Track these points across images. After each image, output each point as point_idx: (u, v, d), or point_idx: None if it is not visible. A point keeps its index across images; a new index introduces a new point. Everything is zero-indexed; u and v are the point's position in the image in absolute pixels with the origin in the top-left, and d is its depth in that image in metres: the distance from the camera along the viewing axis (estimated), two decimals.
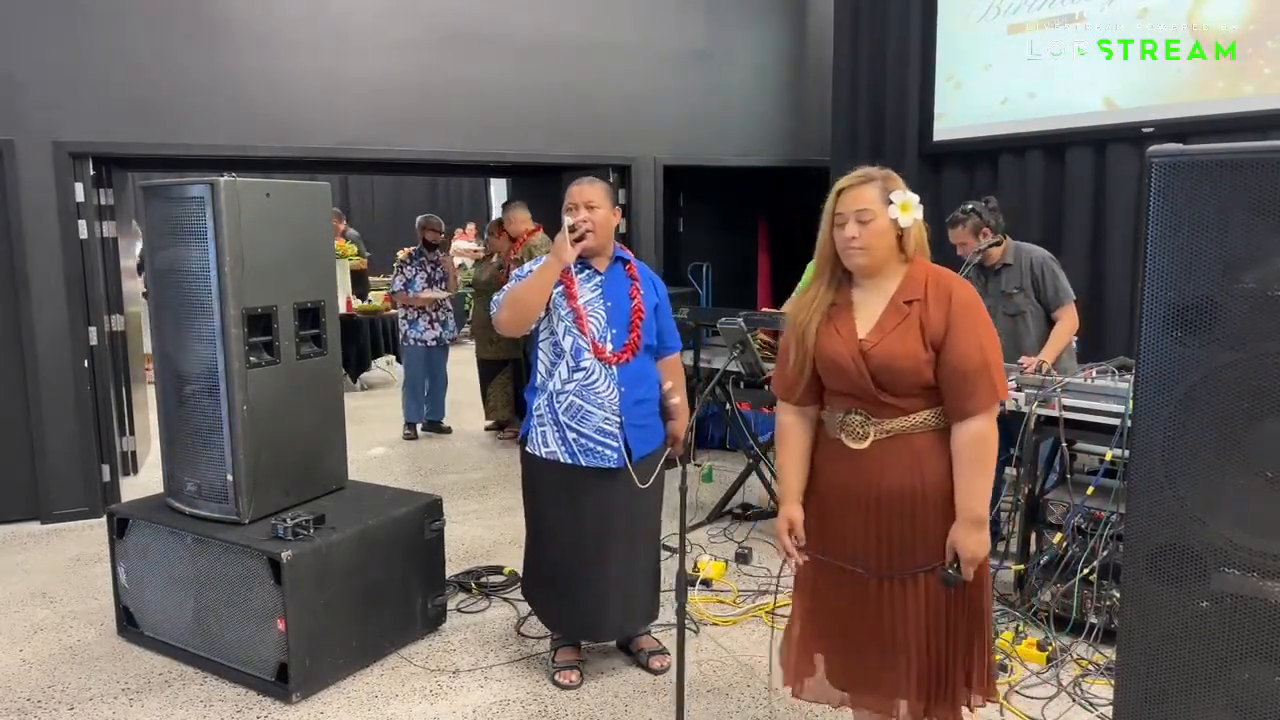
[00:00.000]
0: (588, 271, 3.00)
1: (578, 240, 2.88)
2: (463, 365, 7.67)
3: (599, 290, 2.98)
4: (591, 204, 2.92)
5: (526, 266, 2.99)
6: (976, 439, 2.00)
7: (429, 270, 6.60)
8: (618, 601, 3.06)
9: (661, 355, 3.12)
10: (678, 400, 2.99)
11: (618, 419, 2.93)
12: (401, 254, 7.25)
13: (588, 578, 3.02)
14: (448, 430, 6.84)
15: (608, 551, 3.00)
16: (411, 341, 6.57)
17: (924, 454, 2.04)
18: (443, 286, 6.62)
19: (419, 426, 6.72)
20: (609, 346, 2.93)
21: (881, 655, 2.09)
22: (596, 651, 3.30)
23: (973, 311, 2.03)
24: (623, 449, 2.95)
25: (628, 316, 2.98)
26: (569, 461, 2.95)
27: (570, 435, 2.94)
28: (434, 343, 6.58)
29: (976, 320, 2.02)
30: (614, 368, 2.92)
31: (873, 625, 2.10)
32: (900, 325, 2.03)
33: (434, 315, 6.58)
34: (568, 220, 2.89)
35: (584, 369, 2.92)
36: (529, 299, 2.88)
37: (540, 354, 3.02)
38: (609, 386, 2.92)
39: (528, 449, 3.04)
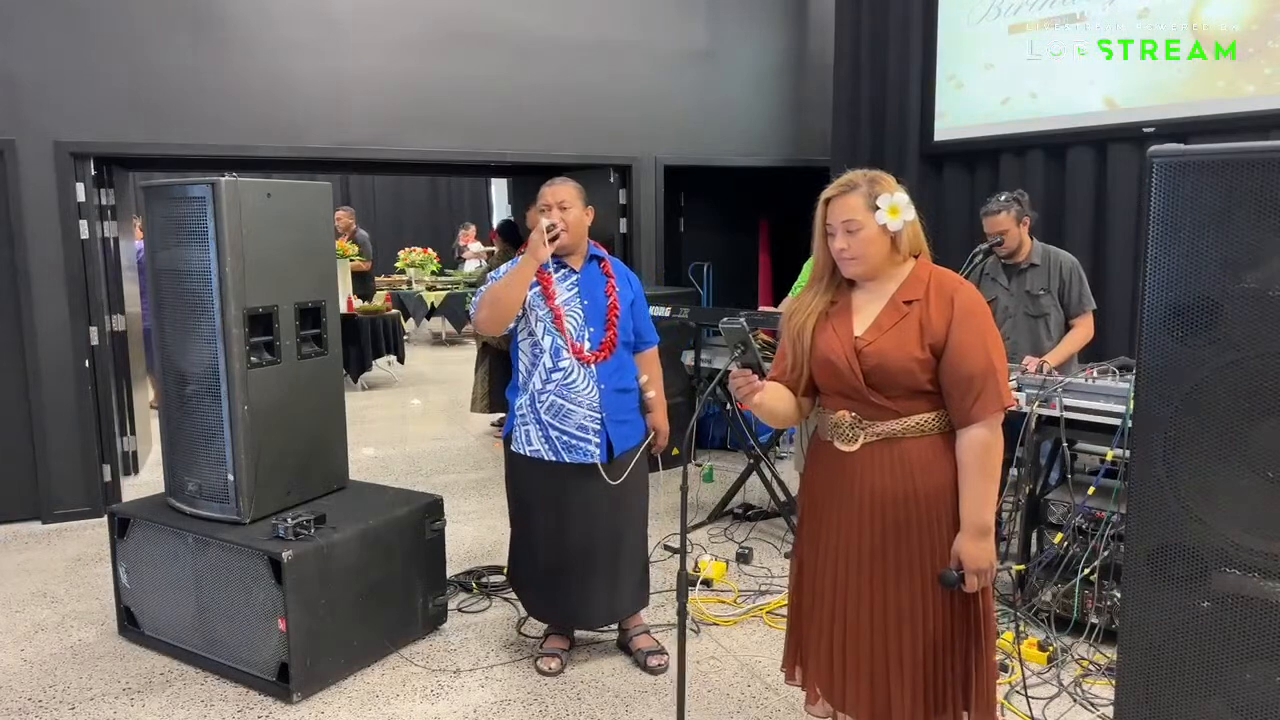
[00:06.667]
0: (564, 271, 3.04)
1: (552, 240, 2.92)
2: (466, 365, 7.68)
3: (575, 289, 3.02)
4: (564, 204, 2.98)
5: (503, 268, 3.04)
6: (980, 446, 1.96)
7: None
8: (604, 590, 3.10)
9: (639, 349, 3.17)
10: (653, 394, 3.08)
11: (599, 415, 2.98)
12: None
13: (574, 570, 3.06)
14: None
15: (593, 544, 3.05)
16: None
17: (914, 459, 2.00)
18: None
19: None
20: (587, 345, 2.98)
21: (873, 672, 2.04)
22: (597, 651, 3.31)
23: (977, 315, 1.99)
24: (605, 445, 2.99)
25: (604, 314, 3.03)
26: (553, 459, 2.99)
27: (553, 434, 2.99)
28: None
29: (981, 324, 1.98)
30: (592, 365, 2.97)
31: (865, 637, 2.04)
32: (898, 324, 2.00)
33: None
34: (544, 221, 2.94)
35: (562, 368, 2.96)
36: (506, 298, 2.93)
37: (520, 354, 3.07)
38: (588, 384, 2.97)
39: (512, 448, 3.09)
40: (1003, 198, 3.88)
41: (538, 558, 3.12)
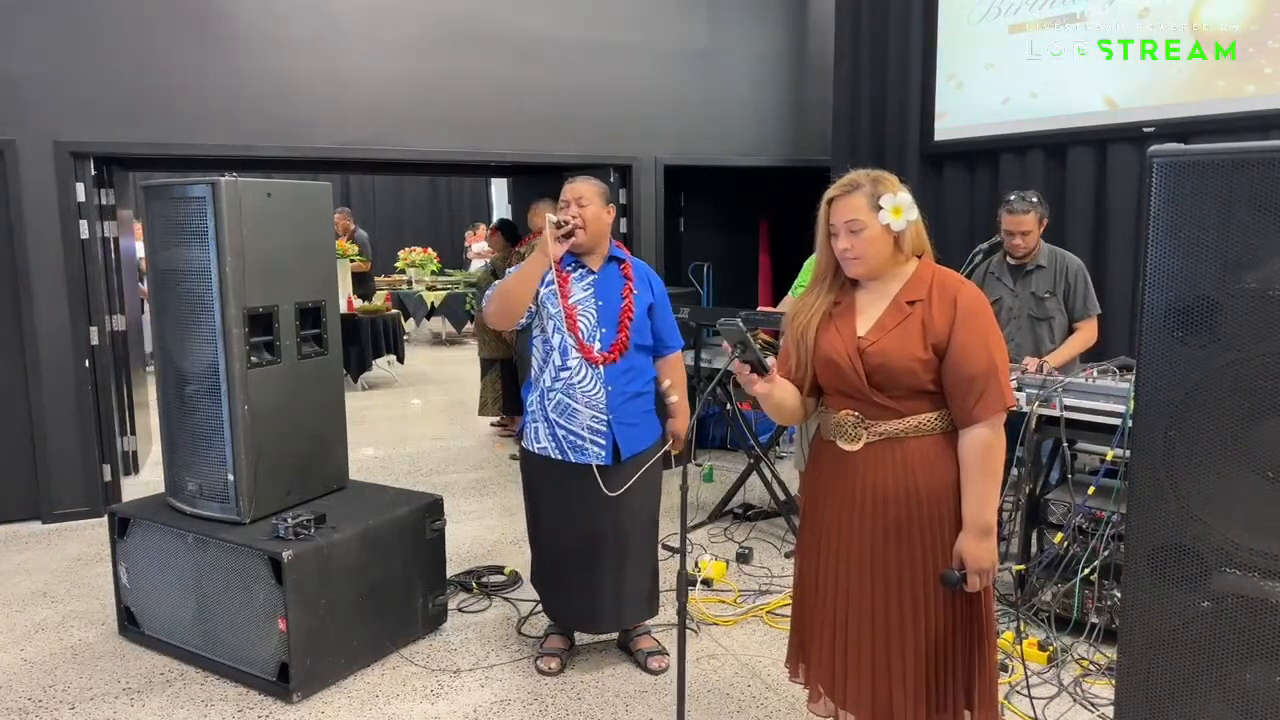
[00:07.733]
0: (581, 270, 3.01)
1: (566, 236, 2.89)
2: (466, 365, 7.68)
3: (591, 289, 2.99)
4: (582, 201, 2.94)
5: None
6: (982, 446, 1.96)
7: None
8: (610, 595, 3.08)
9: (660, 354, 3.13)
10: (676, 399, 3.01)
11: (605, 417, 2.95)
12: None
13: (580, 571, 3.05)
14: None
15: (599, 547, 3.04)
16: None
17: (917, 459, 2.00)
18: None
19: None
20: (597, 345, 2.95)
21: (874, 671, 2.04)
22: (596, 651, 3.31)
23: (980, 315, 1.99)
24: (611, 447, 2.97)
25: (618, 316, 2.99)
26: (559, 458, 2.98)
27: (559, 432, 2.98)
28: None
29: (984, 324, 1.98)
30: (600, 367, 2.94)
31: (866, 635, 2.05)
32: (901, 324, 2.00)
33: None
34: (551, 217, 2.91)
35: (569, 367, 2.94)
36: (515, 292, 2.91)
37: (534, 351, 3.06)
38: (595, 385, 2.94)
39: (523, 444, 3.09)
40: (1027, 198, 3.84)
41: (548, 554, 3.12)
